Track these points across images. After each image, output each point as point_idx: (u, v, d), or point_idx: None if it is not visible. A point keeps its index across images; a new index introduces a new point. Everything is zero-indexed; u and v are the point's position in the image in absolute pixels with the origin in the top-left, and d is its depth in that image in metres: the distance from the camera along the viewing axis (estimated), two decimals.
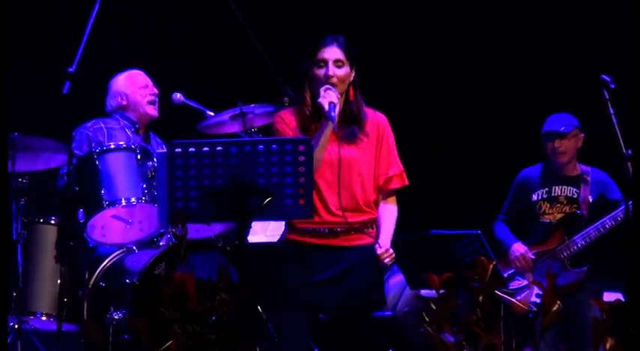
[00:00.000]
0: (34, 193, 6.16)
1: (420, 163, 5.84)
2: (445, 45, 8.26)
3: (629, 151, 5.43)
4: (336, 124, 5.03)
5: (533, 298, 6.28)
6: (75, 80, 5.64)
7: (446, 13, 8.27)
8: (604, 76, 5.53)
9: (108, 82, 6.68)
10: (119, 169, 5.92)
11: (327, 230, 5.08)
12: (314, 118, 5.11)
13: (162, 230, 6.08)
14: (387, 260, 5.07)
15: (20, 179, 6.05)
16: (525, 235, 6.48)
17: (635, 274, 4.11)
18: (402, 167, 5.22)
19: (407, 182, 5.22)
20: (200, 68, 8.03)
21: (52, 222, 6.14)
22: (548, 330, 3.77)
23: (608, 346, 3.71)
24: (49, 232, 6.12)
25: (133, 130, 6.51)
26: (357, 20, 7.94)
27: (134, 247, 6.09)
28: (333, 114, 4.96)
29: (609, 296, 6.52)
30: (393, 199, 5.22)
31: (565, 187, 6.49)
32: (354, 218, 5.08)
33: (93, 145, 6.22)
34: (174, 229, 4.11)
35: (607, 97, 5.50)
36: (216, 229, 6.25)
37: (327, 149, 5.05)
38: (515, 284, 6.39)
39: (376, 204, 5.17)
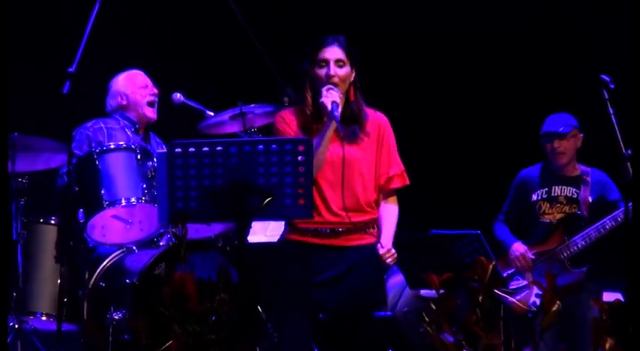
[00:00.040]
0: (34, 193, 6.16)
1: (420, 163, 5.84)
2: (445, 45, 8.26)
3: (629, 151, 5.43)
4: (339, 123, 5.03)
5: (533, 298, 6.29)
6: (75, 80, 5.64)
7: (446, 13, 8.27)
8: (604, 76, 5.53)
9: (108, 82, 6.68)
10: (119, 169, 5.92)
11: (328, 230, 5.08)
12: (315, 117, 5.12)
13: (162, 230, 6.08)
14: (389, 260, 5.08)
15: (20, 179, 6.05)
16: (525, 235, 6.49)
17: (634, 275, 4.11)
18: (402, 167, 5.22)
19: (408, 182, 5.22)
20: (200, 68, 8.03)
21: (52, 222, 6.14)
22: (548, 330, 3.77)
23: (607, 346, 3.71)
24: (49, 232, 6.12)
25: (132, 130, 6.51)
26: (357, 20, 7.94)
27: (134, 247, 6.09)
28: (336, 113, 4.96)
29: (609, 296, 6.52)
30: (394, 199, 5.22)
31: (565, 187, 6.49)
32: (355, 218, 5.08)
33: (93, 145, 6.22)
34: (174, 229, 4.11)
35: (606, 97, 5.50)
36: (216, 229, 6.25)
37: (329, 149, 5.05)
38: (514, 284, 6.40)
39: (377, 204, 5.17)
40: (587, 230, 6.32)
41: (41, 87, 6.98)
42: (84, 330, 5.88)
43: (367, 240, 5.11)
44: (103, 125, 6.43)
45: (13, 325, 5.87)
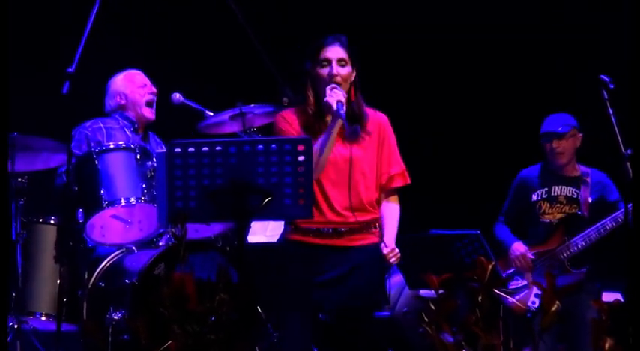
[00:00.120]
0: (34, 193, 6.16)
1: (420, 163, 5.84)
2: (445, 45, 8.26)
3: (629, 151, 5.43)
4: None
5: (532, 298, 6.29)
6: (74, 80, 5.65)
7: (446, 13, 8.27)
8: (603, 76, 5.53)
9: (107, 82, 6.68)
10: (119, 169, 5.92)
11: (331, 230, 5.07)
12: (317, 117, 5.12)
13: (161, 230, 6.08)
14: (392, 259, 5.07)
15: (20, 179, 6.05)
16: (525, 236, 6.48)
17: (634, 275, 4.11)
18: (403, 166, 5.22)
19: (409, 181, 5.22)
20: (199, 68, 8.03)
21: (52, 222, 6.14)
22: (547, 330, 3.77)
23: (607, 346, 3.71)
24: (49, 232, 6.12)
25: (132, 129, 6.50)
26: (357, 20, 7.94)
27: (133, 247, 6.09)
28: (342, 112, 4.95)
29: (608, 296, 6.52)
30: (395, 198, 5.22)
31: (564, 187, 6.49)
32: (358, 218, 5.08)
33: (92, 144, 6.22)
34: (173, 229, 4.11)
35: (606, 97, 5.50)
36: (215, 229, 6.25)
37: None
38: (514, 284, 6.39)
39: (378, 203, 5.17)
40: (588, 231, 6.32)
41: (41, 87, 6.98)
42: (83, 330, 5.89)
43: (370, 240, 5.11)
44: (102, 125, 6.43)
45: (13, 325, 5.87)
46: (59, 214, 6.12)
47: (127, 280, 5.83)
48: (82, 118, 6.45)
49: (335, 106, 4.97)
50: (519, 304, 6.28)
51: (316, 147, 4.95)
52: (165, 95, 6.68)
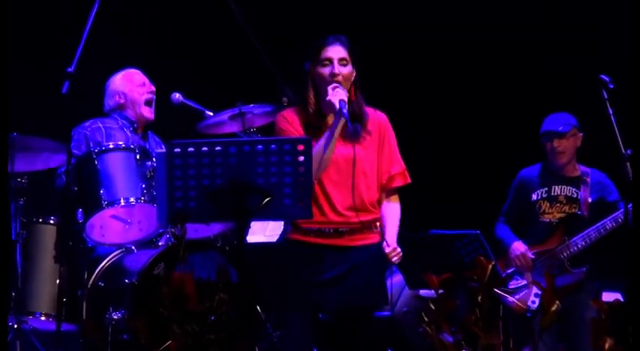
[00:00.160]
0: (33, 193, 6.15)
1: (420, 163, 5.84)
2: (445, 45, 8.26)
3: (629, 151, 5.43)
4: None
5: (532, 298, 6.28)
6: (74, 80, 5.64)
7: (446, 13, 8.27)
8: (603, 76, 5.53)
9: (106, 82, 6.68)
10: (118, 169, 5.91)
11: (331, 230, 5.07)
12: (318, 116, 5.12)
13: (161, 230, 6.08)
14: (395, 259, 5.07)
15: (19, 179, 6.05)
16: (525, 235, 6.48)
17: (634, 275, 4.11)
18: (404, 165, 5.22)
19: (409, 180, 5.22)
20: (199, 68, 8.03)
21: (51, 222, 6.13)
22: (547, 330, 3.77)
23: (607, 346, 3.71)
24: (48, 232, 6.11)
25: (131, 129, 6.50)
26: (357, 20, 7.93)
27: (133, 247, 6.09)
28: (345, 111, 4.95)
29: (608, 296, 6.52)
30: (395, 198, 5.22)
31: (564, 186, 6.49)
32: (360, 217, 5.07)
33: (91, 144, 6.22)
34: (173, 229, 4.10)
35: (606, 97, 5.50)
36: (215, 228, 6.24)
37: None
38: (513, 284, 6.39)
39: (379, 203, 5.17)
40: (588, 231, 6.32)
41: (40, 87, 6.98)
42: (83, 330, 5.89)
43: (370, 240, 5.11)
44: (101, 125, 6.43)
45: (12, 325, 5.87)
46: (59, 214, 6.12)
47: (126, 280, 5.82)
48: (82, 118, 6.45)
49: (338, 105, 4.96)
50: (519, 304, 6.28)
51: (319, 146, 4.95)
52: (165, 95, 6.68)
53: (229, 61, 7.97)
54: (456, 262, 5.55)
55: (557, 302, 3.71)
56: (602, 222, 6.30)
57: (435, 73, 8.30)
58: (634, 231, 4.45)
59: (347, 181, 5.07)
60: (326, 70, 5.09)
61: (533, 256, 6.38)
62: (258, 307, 6.19)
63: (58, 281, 5.93)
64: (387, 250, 5.05)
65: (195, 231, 6.08)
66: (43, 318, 6.03)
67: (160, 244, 6.21)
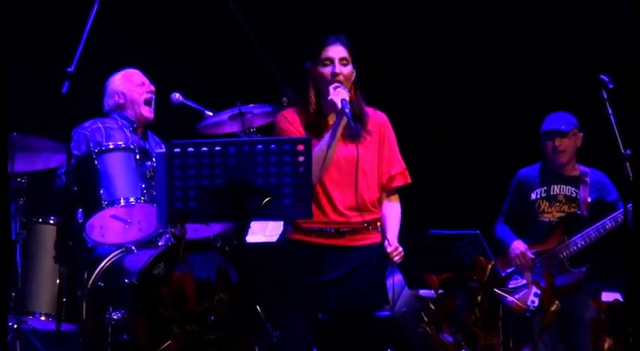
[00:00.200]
0: (33, 193, 6.15)
1: (420, 162, 5.84)
2: (445, 45, 8.26)
3: (628, 151, 5.43)
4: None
5: (532, 298, 6.28)
6: (74, 80, 5.64)
7: (446, 13, 8.27)
8: (602, 76, 5.52)
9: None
10: (118, 169, 5.91)
11: (333, 230, 5.07)
12: (319, 116, 5.12)
13: (161, 230, 6.08)
14: (396, 258, 5.06)
15: (19, 179, 6.05)
16: (525, 235, 6.48)
17: (633, 275, 4.11)
18: (404, 165, 5.22)
19: (409, 180, 5.22)
20: (199, 68, 8.03)
21: (51, 222, 6.14)
22: (547, 330, 3.77)
23: (606, 346, 3.71)
24: (48, 232, 6.12)
25: (131, 129, 6.50)
26: (357, 20, 7.93)
27: (133, 247, 6.09)
28: (347, 110, 4.95)
29: (607, 296, 6.52)
30: (396, 197, 5.22)
31: (563, 186, 6.49)
32: (361, 217, 5.07)
33: (91, 145, 6.22)
34: (173, 229, 4.10)
35: (605, 97, 5.50)
36: (214, 229, 6.24)
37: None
38: (513, 283, 6.39)
39: (379, 203, 5.17)
40: (587, 230, 6.32)
41: (40, 87, 6.98)
42: (83, 330, 5.88)
43: (371, 240, 5.11)
44: (100, 125, 6.42)
45: (12, 325, 5.87)
46: (59, 214, 6.12)
47: (126, 280, 5.82)
48: (82, 118, 6.45)
49: (340, 105, 4.96)
50: (519, 304, 6.28)
51: (321, 146, 4.95)
52: (165, 95, 6.68)
53: (229, 61, 7.97)
54: (456, 262, 5.55)
55: (557, 302, 3.71)
56: (601, 222, 6.30)
57: (435, 73, 8.30)
58: (634, 231, 4.45)
59: (348, 181, 5.07)
60: (327, 70, 5.09)
61: (532, 256, 6.38)
62: (258, 307, 6.19)
63: (57, 281, 5.93)
64: (389, 249, 5.04)
65: (195, 231, 6.07)
66: (42, 318, 6.04)
67: (160, 244, 6.21)
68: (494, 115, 8.19)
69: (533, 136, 6.59)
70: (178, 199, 4.49)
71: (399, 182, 5.20)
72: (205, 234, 6.22)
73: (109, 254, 6.10)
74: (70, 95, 5.61)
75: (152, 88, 6.61)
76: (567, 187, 6.49)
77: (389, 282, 5.87)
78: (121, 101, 6.55)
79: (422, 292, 5.90)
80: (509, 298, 6.27)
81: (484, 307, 3.68)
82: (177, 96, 6.68)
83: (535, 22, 8.14)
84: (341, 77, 5.07)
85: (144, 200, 5.86)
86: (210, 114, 6.65)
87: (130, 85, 6.57)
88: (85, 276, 6.05)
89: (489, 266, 3.76)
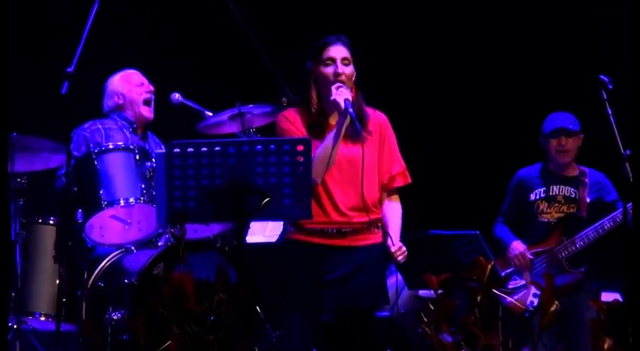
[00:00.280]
0: (33, 194, 6.15)
1: (421, 163, 5.84)
2: (445, 45, 8.26)
3: (628, 151, 5.42)
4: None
5: (531, 298, 6.28)
6: (74, 80, 5.64)
7: (446, 13, 8.27)
8: (602, 77, 5.52)
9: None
10: (118, 169, 5.91)
11: (334, 230, 5.07)
12: (320, 116, 5.12)
13: (160, 230, 6.08)
14: (400, 258, 5.06)
15: (19, 179, 6.05)
16: (524, 235, 6.48)
17: (633, 275, 4.11)
18: (404, 165, 5.22)
19: (410, 180, 5.22)
20: (199, 68, 8.03)
21: (51, 222, 6.14)
22: (547, 330, 3.77)
23: (606, 346, 3.70)
24: (48, 233, 6.12)
25: (130, 130, 6.50)
26: (357, 20, 7.93)
27: (132, 248, 6.09)
28: (351, 110, 4.95)
29: (607, 296, 6.52)
30: (396, 197, 5.22)
31: (563, 186, 6.49)
32: (361, 218, 5.07)
33: (91, 145, 6.21)
34: (172, 230, 4.10)
35: (605, 97, 5.49)
36: (214, 229, 6.24)
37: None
38: (512, 284, 6.39)
39: (380, 203, 5.17)
40: (586, 231, 6.32)
41: (40, 87, 6.98)
42: (83, 330, 5.89)
43: (372, 240, 5.11)
44: (100, 126, 6.42)
45: (12, 325, 5.87)
46: (58, 215, 6.12)
47: (126, 281, 5.82)
48: (81, 119, 6.45)
49: (343, 105, 4.96)
50: (518, 304, 6.28)
51: (325, 146, 4.94)
52: (165, 95, 6.68)
53: (229, 61, 7.97)
54: (456, 263, 5.55)
55: (557, 302, 3.71)
56: (600, 222, 6.29)
57: (436, 73, 8.30)
58: (633, 231, 4.45)
59: (350, 181, 5.07)
60: (329, 70, 5.08)
61: (531, 256, 6.38)
62: (257, 308, 6.19)
63: (57, 281, 5.94)
64: (393, 249, 5.04)
65: (195, 231, 6.08)
66: (42, 318, 6.04)
67: (160, 244, 6.22)
68: (494, 115, 8.19)
69: (533, 136, 6.58)
70: (178, 199, 4.49)
71: (399, 182, 5.20)
72: (205, 234, 6.22)
73: (109, 254, 6.10)
74: (69, 95, 5.61)
75: (151, 88, 6.61)
76: (566, 187, 6.48)
77: (391, 281, 5.89)
78: (121, 102, 6.55)
79: (421, 292, 5.91)
80: (508, 298, 6.26)
81: (484, 307, 3.68)
82: (176, 96, 6.68)
83: (535, 22, 8.14)
84: (343, 77, 5.07)
85: (143, 200, 5.86)
86: (210, 114, 6.65)
87: (129, 85, 6.58)
88: (85, 276, 6.06)
89: (489, 267, 3.76)
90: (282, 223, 6.25)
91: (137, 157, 5.94)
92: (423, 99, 8.27)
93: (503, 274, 6.36)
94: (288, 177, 4.49)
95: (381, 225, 5.13)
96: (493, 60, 8.22)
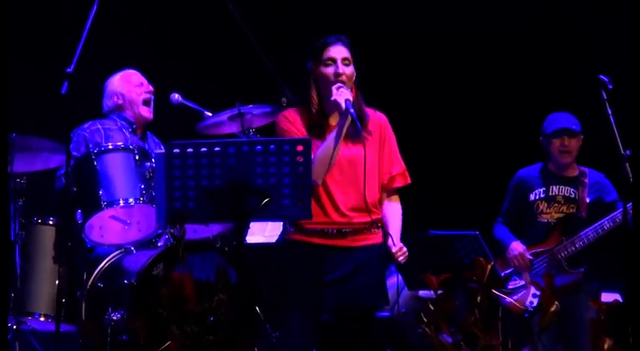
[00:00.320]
0: (32, 194, 6.15)
1: (420, 163, 5.84)
2: (445, 45, 8.26)
3: (628, 152, 5.42)
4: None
5: (530, 298, 6.28)
6: (73, 80, 5.64)
7: (446, 13, 8.27)
8: (602, 77, 5.52)
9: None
10: (117, 169, 5.91)
11: (334, 231, 5.07)
12: (321, 116, 5.11)
13: (160, 231, 6.08)
14: (401, 258, 5.06)
15: (18, 180, 6.05)
16: (524, 235, 6.48)
17: (633, 275, 4.11)
18: (404, 166, 5.22)
19: (409, 180, 5.22)
20: (198, 69, 8.03)
21: (50, 223, 6.13)
22: (546, 330, 3.76)
23: (606, 346, 3.70)
24: (48, 233, 6.11)
25: (130, 130, 6.50)
26: (357, 20, 7.93)
27: (132, 248, 6.09)
28: (352, 110, 4.94)
29: (607, 297, 6.52)
30: (396, 198, 5.22)
31: (562, 186, 6.49)
32: (361, 218, 5.07)
33: (90, 146, 6.22)
34: (172, 230, 4.10)
35: (605, 97, 5.49)
36: (214, 229, 6.24)
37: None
38: (512, 284, 6.39)
39: (380, 203, 5.17)
40: (586, 231, 6.32)
41: (40, 87, 6.98)
42: (82, 330, 5.89)
43: (372, 240, 5.10)
44: (99, 126, 6.42)
45: (12, 325, 5.87)
46: (58, 215, 6.12)
47: (125, 281, 5.82)
48: (81, 119, 6.45)
49: (344, 105, 4.96)
50: (517, 304, 6.27)
51: (326, 146, 4.94)
52: (164, 95, 6.68)
53: (228, 61, 7.97)
54: (455, 263, 5.55)
55: (556, 303, 3.71)
56: (600, 222, 6.29)
57: (435, 73, 8.30)
58: (633, 231, 4.45)
59: (351, 181, 5.07)
60: (330, 70, 5.08)
61: (531, 257, 6.38)
62: (257, 308, 6.19)
63: (57, 282, 5.93)
64: (394, 249, 5.04)
65: (195, 231, 6.08)
66: (42, 318, 6.03)
67: (159, 244, 6.21)
68: (494, 115, 8.19)
69: (533, 136, 6.58)
70: (177, 199, 4.48)
71: (399, 183, 5.20)
72: (205, 234, 6.22)
73: (109, 255, 6.10)
74: (69, 96, 5.61)
75: (151, 88, 6.61)
76: (566, 187, 6.48)
77: (392, 281, 5.89)
78: (120, 102, 6.55)
79: (421, 292, 5.91)
80: (508, 298, 6.26)
81: (483, 307, 3.68)
82: (176, 96, 6.68)
83: (535, 22, 8.14)
84: (344, 77, 5.07)
85: (143, 201, 5.86)
86: (210, 114, 6.64)
87: (128, 85, 6.58)
88: (85, 277, 6.06)
89: (489, 267, 3.75)
90: (281, 223, 6.24)
91: (137, 158, 5.94)
92: (422, 99, 8.27)
93: (502, 274, 6.36)
94: (287, 177, 4.48)
95: (382, 225, 5.12)
96: (493, 60, 8.22)
